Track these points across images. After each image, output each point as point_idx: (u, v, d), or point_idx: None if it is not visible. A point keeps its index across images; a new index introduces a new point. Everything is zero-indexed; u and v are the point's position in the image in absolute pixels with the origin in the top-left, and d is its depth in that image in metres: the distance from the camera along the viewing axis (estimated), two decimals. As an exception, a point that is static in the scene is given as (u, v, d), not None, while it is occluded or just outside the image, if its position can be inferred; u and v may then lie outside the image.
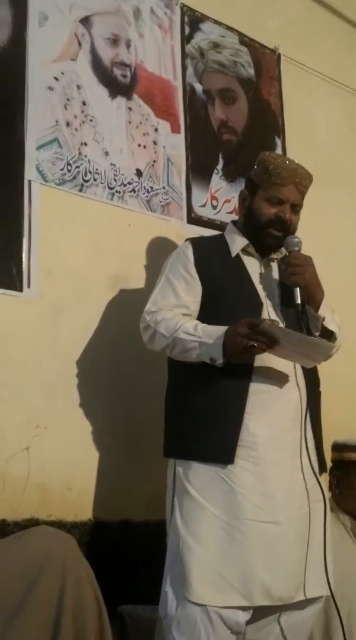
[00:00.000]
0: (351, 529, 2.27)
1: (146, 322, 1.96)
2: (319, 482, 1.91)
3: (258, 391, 1.86)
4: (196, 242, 2.08)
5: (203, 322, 1.91)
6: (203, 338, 1.84)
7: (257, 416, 1.85)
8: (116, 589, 1.94)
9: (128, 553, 2.16)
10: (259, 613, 1.81)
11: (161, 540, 1.95)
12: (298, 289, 1.91)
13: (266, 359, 1.87)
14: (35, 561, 1.46)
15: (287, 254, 1.99)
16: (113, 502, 2.25)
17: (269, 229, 1.99)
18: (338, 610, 1.95)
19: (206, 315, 1.94)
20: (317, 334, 1.95)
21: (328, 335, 1.96)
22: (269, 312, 1.96)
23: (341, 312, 2.05)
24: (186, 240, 2.12)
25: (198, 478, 1.83)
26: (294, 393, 1.92)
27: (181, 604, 1.76)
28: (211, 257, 2.02)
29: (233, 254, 2.03)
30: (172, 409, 1.97)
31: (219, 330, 1.83)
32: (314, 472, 1.89)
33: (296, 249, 1.97)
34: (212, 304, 1.95)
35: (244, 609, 1.76)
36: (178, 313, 1.94)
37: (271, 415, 1.86)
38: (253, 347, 1.77)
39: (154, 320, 1.94)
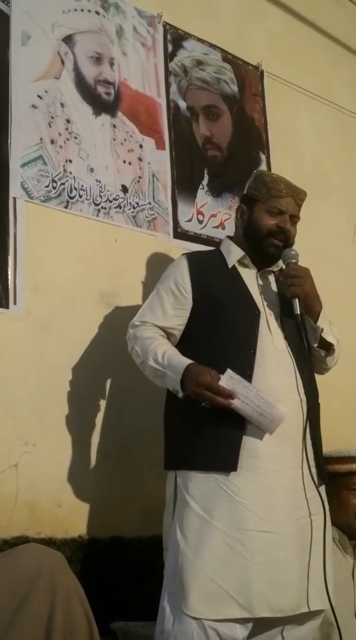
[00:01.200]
0: (340, 541, 2.26)
1: (129, 334, 2.03)
2: (319, 494, 1.90)
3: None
4: (192, 255, 2.13)
5: (202, 334, 1.95)
6: (167, 370, 1.89)
7: (255, 427, 1.85)
8: (107, 605, 1.93)
9: (120, 569, 2.15)
10: (259, 627, 1.80)
11: (153, 557, 1.95)
12: (296, 300, 1.95)
13: (266, 369, 1.89)
14: (25, 578, 1.45)
15: (284, 266, 2.04)
16: (104, 518, 2.24)
17: (271, 239, 2.04)
18: (337, 625, 1.94)
19: (206, 325, 1.97)
20: (316, 345, 2.00)
21: (326, 347, 2.01)
22: (268, 321, 1.98)
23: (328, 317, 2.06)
24: (182, 255, 2.16)
25: (198, 489, 1.82)
26: (295, 403, 1.92)
27: (178, 619, 1.74)
28: (206, 268, 2.05)
29: (230, 265, 2.06)
30: (171, 421, 1.98)
31: (181, 365, 1.87)
32: (314, 483, 1.89)
33: (294, 261, 2.02)
34: (211, 315, 1.97)
35: (242, 622, 1.74)
36: (157, 332, 1.99)
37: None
38: (205, 406, 1.85)
39: (133, 335, 2.00)
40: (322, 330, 1.98)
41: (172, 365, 1.89)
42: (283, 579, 1.78)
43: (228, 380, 1.83)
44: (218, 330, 1.94)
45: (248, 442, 1.84)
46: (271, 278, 2.10)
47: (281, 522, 1.81)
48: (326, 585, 1.83)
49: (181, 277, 2.03)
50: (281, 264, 2.08)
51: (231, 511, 1.79)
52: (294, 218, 2.07)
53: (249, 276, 2.06)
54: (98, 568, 2.11)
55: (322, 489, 1.94)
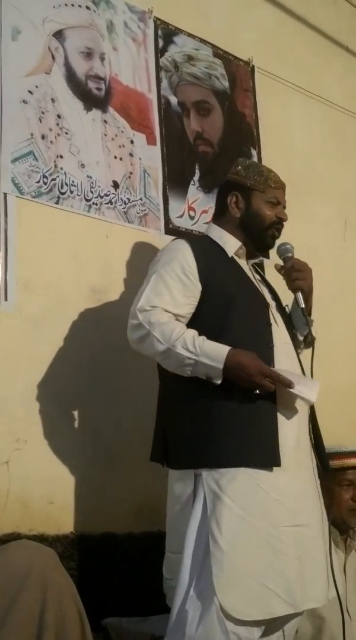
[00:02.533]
0: (333, 536, 2.27)
1: (138, 320, 1.85)
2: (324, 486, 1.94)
3: (281, 391, 1.84)
4: (192, 240, 2.03)
5: (211, 327, 1.86)
6: (201, 357, 1.78)
7: (283, 417, 1.85)
8: (100, 601, 1.93)
9: (112, 566, 2.14)
10: (268, 625, 1.78)
11: (145, 553, 1.95)
12: (300, 293, 1.98)
13: (281, 362, 1.88)
14: (16, 575, 1.44)
15: (283, 260, 2.05)
16: (96, 515, 2.23)
17: (271, 230, 2.04)
18: (343, 615, 1.98)
19: (216, 318, 1.88)
20: (301, 338, 2.03)
21: (310, 341, 2.02)
22: (273, 314, 1.98)
23: (316, 319, 2.07)
24: (180, 239, 2.06)
25: (233, 487, 1.75)
26: None
27: (202, 624, 1.68)
28: (210, 258, 1.97)
29: (230, 255, 2.02)
30: (192, 416, 1.83)
31: (218, 352, 1.79)
32: (328, 471, 1.95)
33: (290, 254, 2.05)
34: (221, 307, 1.90)
35: (260, 625, 1.74)
36: (172, 317, 1.86)
37: (292, 415, 1.87)
38: (259, 393, 1.80)
39: (147, 320, 1.83)
40: (312, 324, 2.00)
41: (207, 353, 1.78)
42: (315, 570, 1.81)
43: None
44: (231, 321, 1.87)
45: (280, 436, 1.82)
46: (257, 270, 2.11)
47: (309, 514, 1.83)
48: (333, 575, 1.87)
49: (186, 263, 1.92)
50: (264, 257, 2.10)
51: (269, 508, 1.76)
52: (284, 209, 2.09)
53: (245, 267, 2.06)
54: (90, 564, 2.11)
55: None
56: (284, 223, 2.07)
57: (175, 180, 2.78)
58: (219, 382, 1.80)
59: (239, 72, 3.17)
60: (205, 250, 1.99)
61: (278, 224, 2.05)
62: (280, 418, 1.84)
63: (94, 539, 2.17)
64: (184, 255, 1.94)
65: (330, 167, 3.48)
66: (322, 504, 1.92)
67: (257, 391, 1.81)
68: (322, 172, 3.43)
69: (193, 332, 1.83)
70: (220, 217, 2.12)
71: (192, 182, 2.84)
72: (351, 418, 3.10)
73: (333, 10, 3.69)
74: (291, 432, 1.85)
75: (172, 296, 1.88)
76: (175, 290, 1.89)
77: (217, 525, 1.72)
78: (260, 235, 2.05)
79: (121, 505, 2.28)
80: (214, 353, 1.79)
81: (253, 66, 3.22)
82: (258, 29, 3.29)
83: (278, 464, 1.79)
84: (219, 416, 1.81)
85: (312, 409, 1.98)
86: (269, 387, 1.80)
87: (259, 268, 2.18)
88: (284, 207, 2.08)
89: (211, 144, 2.95)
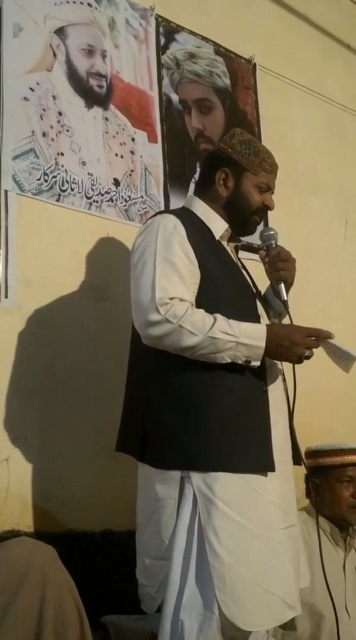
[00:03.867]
0: (331, 534, 2.28)
1: (161, 316, 1.69)
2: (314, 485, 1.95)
3: (270, 390, 1.79)
4: (182, 218, 1.85)
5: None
6: (241, 338, 1.68)
7: (274, 416, 1.78)
8: (99, 599, 1.93)
9: (111, 563, 2.15)
10: None
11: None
12: (283, 285, 1.88)
13: None
14: (16, 572, 1.44)
15: (266, 246, 1.94)
16: (95, 512, 2.23)
17: (255, 216, 1.94)
18: (336, 613, 1.98)
19: (205, 305, 1.75)
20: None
21: None
22: (257, 304, 1.91)
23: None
24: (164, 213, 1.91)
25: (227, 492, 1.66)
26: (283, 389, 1.89)
27: (202, 634, 1.61)
28: (198, 237, 1.84)
29: (217, 237, 1.91)
30: (180, 408, 1.72)
31: (257, 330, 1.72)
32: (304, 465, 1.92)
33: (274, 242, 1.94)
34: (210, 293, 1.78)
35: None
36: (191, 306, 1.73)
37: (279, 412, 1.82)
38: (308, 357, 1.74)
39: (173, 314, 1.68)
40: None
41: (245, 332, 1.69)
42: (300, 569, 1.79)
43: None
44: (221, 310, 1.74)
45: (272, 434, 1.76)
46: (236, 253, 2.02)
47: (294, 513, 1.81)
48: (324, 573, 1.87)
49: (185, 242, 1.79)
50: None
51: (264, 512, 1.70)
52: (272, 194, 1.99)
53: (230, 252, 1.96)
54: (89, 562, 2.11)
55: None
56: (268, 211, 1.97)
57: (176, 178, 2.77)
58: (258, 364, 1.72)
59: (241, 69, 3.17)
60: (194, 229, 1.85)
61: (263, 211, 1.95)
62: (273, 417, 1.77)
63: (93, 536, 2.17)
64: (180, 234, 1.80)
65: (330, 165, 3.48)
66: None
67: (310, 356, 1.74)
68: (323, 171, 3.43)
69: (221, 316, 1.71)
70: (204, 191, 1.97)
71: (193, 180, 2.84)
72: (349, 416, 3.10)
73: (334, 8, 3.69)
74: (280, 430, 1.80)
75: (184, 282, 1.75)
76: (185, 274, 1.76)
77: (214, 534, 1.64)
78: (244, 220, 1.93)
79: (120, 503, 2.28)
80: (253, 332, 1.71)
81: (255, 64, 3.22)
82: (260, 27, 3.28)
83: (273, 470, 1.72)
84: (209, 414, 1.70)
85: (292, 406, 1.87)
86: (315, 345, 1.76)
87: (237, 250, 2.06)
88: (272, 193, 1.97)
89: (212, 141, 2.94)
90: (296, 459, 1.89)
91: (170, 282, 1.73)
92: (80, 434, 2.28)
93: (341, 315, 3.28)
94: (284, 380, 1.91)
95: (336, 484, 2.28)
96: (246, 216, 1.93)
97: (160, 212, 1.97)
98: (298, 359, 1.75)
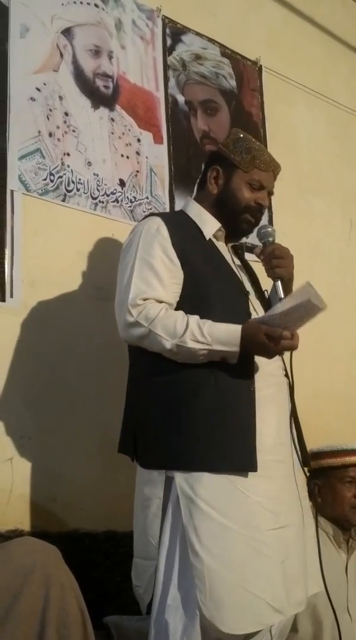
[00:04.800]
0: (334, 536, 2.28)
1: (133, 318, 1.71)
2: (305, 475, 1.85)
3: (260, 387, 1.75)
4: (167, 220, 1.84)
5: (189, 312, 1.73)
6: (214, 345, 1.67)
7: (262, 413, 1.73)
8: (101, 599, 1.93)
9: (114, 564, 2.14)
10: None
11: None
12: (279, 282, 1.83)
13: None
14: (19, 572, 1.44)
15: (263, 244, 1.89)
16: (99, 513, 2.23)
17: (246, 215, 1.89)
18: (335, 615, 1.97)
19: (192, 306, 1.74)
20: None
21: None
22: (252, 302, 1.87)
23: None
24: (151, 215, 1.91)
25: (209, 491, 1.64)
26: (285, 385, 1.84)
27: (186, 635, 1.61)
28: (185, 238, 1.82)
29: (207, 237, 1.88)
30: (164, 413, 1.71)
31: (231, 335, 1.68)
32: (302, 469, 1.83)
33: (271, 239, 1.88)
34: (197, 294, 1.77)
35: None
36: (167, 307, 1.73)
37: (271, 412, 1.77)
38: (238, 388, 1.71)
39: (145, 317, 1.69)
40: None
41: (218, 339, 1.67)
42: (297, 572, 1.72)
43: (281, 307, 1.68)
44: (208, 310, 1.73)
45: (258, 435, 1.70)
46: (237, 253, 2.00)
47: (288, 514, 1.73)
48: (321, 571, 1.80)
49: (167, 243, 1.78)
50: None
51: (249, 512, 1.66)
52: (271, 195, 1.95)
53: (224, 251, 1.92)
54: (92, 562, 2.11)
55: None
56: (264, 211, 1.93)
57: (181, 178, 2.78)
58: (235, 361, 1.70)
59: (247, 71, 3.17)
60: (181, 230, 1.84)
61: (255, 210, 1.89)
62: (259, 415, 1.72)
63: (96, 536, 2.17)
64: (162, 235, 1.79)
65: (335, 167, 3.47)
66: (303, 501, 1.82)
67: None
68: (328, 173, 3.43)
69: (196, 319, 1.70)
70: (199, 191, 1.99)
71: (198, 181, 2.84)
72: (352, 418, 3.10)
73: (341, 10, 3.69)
74: (270, 429, 1.74)
75: (162, 283, 1.74)
76: (163, 275, 1.75)
77: (195, 534, 1.62)
78: (234, 218, 1.89)
79: (124, 504, 2.26)
80: (225, 337, 1.68)
81: (261, 66, 3.22)
82: (266, 29, 3.28)
83: (254, 470, 1.67)
84: (193, 414, 1.69)
85: (293, 402, 1.85)
86: (290, 347, 1.70)
87: (240, 251, 2.04)
88: (270, 193, 1.93)
89: (218, 142, 2.94)
90: (304, 459, 1.85)
91: (146, 283, 1.73)
92: (84, 434, 2.29)
93: (345, 317, 3.28)
94: (286, 376, 1.86)
95: (338, 485, 2.29)
96: (235, 214, 1.89)
97: (148, 215, 1.96)
98: (278, 353, 1.72)
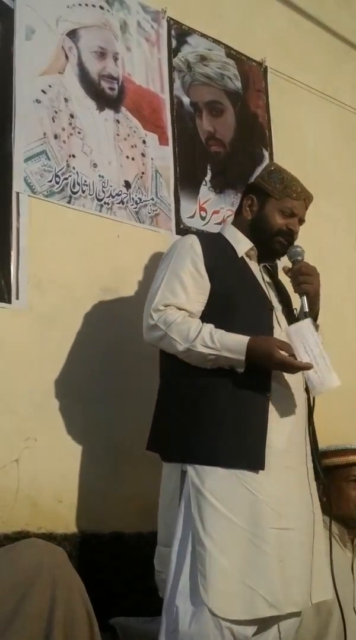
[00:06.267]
0: (339, 535, 2.29)
1: (154, 322, 1.87)
2: (318, 488, 1.95)
3: (277, 397, 1.87)
4: (203, 238, 2.04)
5: (216, 324, 1.86)
6: (222, 351, 1.81)
7: (275, 420, 1.85)
8: (107, 601, 1.93)
9: (120, 565, 2.15)
10: (262, 622, 1.80)
11: (153, 553, 1.94)
12: (305, 297, 1.96)
13: None
14: (26, 573, 1.45)
15: (292, 262, 2.03)
16: (105, 514, 2.24)
17: (278, 238, 2.04)
18: (342, 614, 1.99)
19: (218, 317, 1.89)
20: None
21: None
22: (277, 316, 1.99)
23: (330, 323, 2.08)
24: (190, 234, 2.10)
25: (217, 486, 1.77)
26: (303, 396, 1.95)
27: (195, 620, 1.70)
28: (218, 255, 1.99)
29: (240, 255, 2.04)
30: (182, 410, 1.86)
31: (239, 343, 1.81)
32: (319, 477, 1.95)
33: (300, 258, 2.03)
34: (224, 306, 1.91)
35: (253, 622, 1.75)
36: (186, 315, 1.88)
37: (286, 419, 1.88)
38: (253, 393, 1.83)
39: (163, 321, 1.86)
40: (318, 328, 1.99)
41: (227, 346, 1.81)
42: (298, 574, 1.81)
43: (296, 334, 1.86)
44: (233, 322, 1.87)
45: (268, 437, 1.82)
46: (269, 272, 2.12)
47: (295, 518, 1.83)
48: (333, 576, 1.89)
49: (198, 258, 1.95)
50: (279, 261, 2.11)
51: (254, 509, 1.77)
52: (302, 222, 2.09)
53: (255, 269, 2.06)
54: (98, 563, 2.11)
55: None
56: (295, 235, 2.06)
57: (187, 180, 2.78)
58: (241, 370, 1.82)
59: (252, 72, 3.17)
60: (214, 248, 2.00)
61: (287, 234, 2.04)
62: (272, 421, 1.84)
63: (102, 537, 2.17)
64: (194, 249, 1.96)
65: (341, 169, 3.47)
66: (316, 510, 1.91)
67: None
68: (334, 174, 3.42)
69: (209, 327, 1.84)
70: (236, 217, 2.16)
71: (203, 183, 2.85)
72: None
73: (346, 11, 3.68)
74: (281, 436, 1.85)
75: (186, 293, 1.90)
76: (189, 286, 1.91)
77: (201, 523, 1.74)
78: (267, 241, 2.05)
79: (130, 505, 2.28)
80: (234, 346, 1.81)
81: (266, 67, 3.21)
82: (271, 30, 3.28)
83: (262, 468, 1.79)
84: (209, 413, 1.82)
85: (311, 413, 1.98)
86: (292, 368, 1.83)
87: (273, 270, 2.17)
88: (301, 221, 2.08)
89: (223, 144, 2.95)
90: (316, 473, 1.96)
91: (171, 292, 1.90)
92: (90, 436, 2.29)
93: (352, 319, 3.28)
94: (306, 390, 1.96)
95: (343, 484, 2.31)
96: (267, 238, 2.04)
97: (186, 233, 2.15)
98: (279, 367, 1.84)
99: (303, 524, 1.85)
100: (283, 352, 1.81)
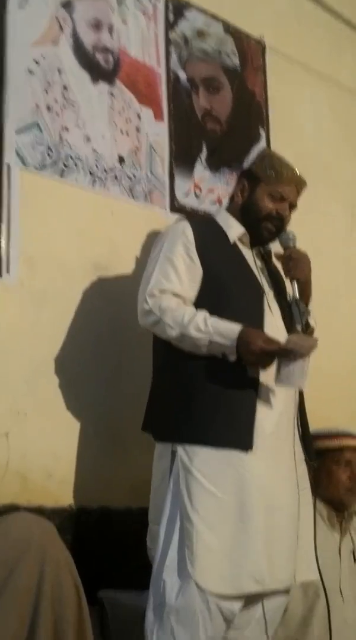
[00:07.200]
0: (328, 517, 2.31)
1: (148, 307, 1.90)
2: (307, 468, 1.98)
3: (267, 381, 1.88)
4: (194, 224, 2.04)
5: (205, 309, 1.89)
6: (214, 336, 1.83)
7: (264, 403, 1.88)
8: (96, 575, 1.93)
9: (109, 540, 2.15)
10: (247, 600, 1.83)
11: (142, 528, 1.95)
12: (296, 283, 1.97)
13: None
14: (15, 547, 1.46)
15: (284, 249, 2.04)
16: (94, 489, 2.23)
17: (266, 223, 2.04)
18: (326, 596, 2.01)
19: (209, 302, 1.91)
20: (299, 327, 1.99)
21: (310, 331, 2.03)
22: (269, 301, 1.99)
23: (324, 313, 2.07)
24: (181, 219, 2.10)
25: (206, 465, 1.80)
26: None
27: (182, 593, 1.74)
28: (210, 241, 2.00)
29: (232, 240, 2.04)
30: (175, 391, 1.90)
31: (232, 330, 1.82)
32: (306, 460, 1.97)
33: (291, 244, 2.03)
34: (215, 291, 1.93)
35: (239, 598, 1.78)
36: (181, 302, 1.91)
37: (275, 402, 1.90)
38: (262, 369, 1.84)
39: (158, 306, 1.88)
40: (309, 313, 2.01)
41: (220, 331, 1.83)
42: (283, 553, 1.84)
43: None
44: (224, 307, 1.90)
45: (257, 419, 1.85)
46: (263, 257, 2.12)
47: (281, 499, 1.86)
48: (316, 557, 1.91)
49: (189, 243, 1.97)
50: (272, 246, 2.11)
51: (241, 488, 1.80)
52: (293, 207, 2.08)
53: (248, 254, 2.07)
54: (87, 538, 2.11)
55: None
56: (285, 220, 2.06)
57: (182, 157, 2.75)
58: (234, 358, 1.83)
59: (250, 50, 3.12)
60: (206, 233, 2.02)
61: (276, 219, 2.04)
62: (261, 403, 1.87)
63: (92, 512, 2.17)
64: (186, 235, 1.97)
65: (338, 152, 3.44)
66: (301, 492, 1.93)
67: (258, 369, 1.85)
68: (330, 158, 3.39)
69: (204, 313, 1.86)
70: (230, 203, 2.17)
71: (199, 160, 2.82)
72: (350, 404, 3.09)
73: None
74: (270, 418, 1.88)
75: (179, 278, 1.92)
76: (182, 272, 1.93)
77: (189, 499, 1.78)
78: (255, 226, 2.05)
79: (120, 481, 2.28)
80: (226, 331, 1.83)
81: (265, 44, 3.17)
82: (271, 8, 3.24)
83: (250, 448, 1.81)
84: (200, 395, 1.85)
85: (301, 398, 2.01)
86: (264, 365, 1.83)
87: (266, 255, 2.16)
88: (293, 206, 2.07)
89: (220, 121, 2.91)
90: (309, 454, 2.00)
91: (165, 277, 1.91)
92: (83, 413, 2.27)
93: (347, 309, 3.27)
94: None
95: (334, 467, 2.33)
96: (256, 222, 2.04)
97: (179, 219, 2.14)
98: (254, 366, 1.84)
99: (288, 504, 1.88)
100: (263, 344, 1.80)
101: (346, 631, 2.15)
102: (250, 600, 1.84)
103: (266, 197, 2.03)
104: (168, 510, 1.81)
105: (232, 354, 1.83)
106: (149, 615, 1.77)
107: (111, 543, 2.15)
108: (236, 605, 1.78)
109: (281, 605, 1.93)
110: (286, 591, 1.90)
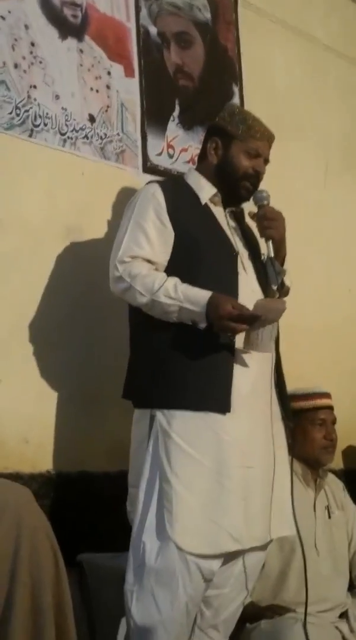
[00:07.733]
0: (303, 475, 2.36)
1: (119, 273, 1.88)
2: (284, 427, 2.00)
3: (241, 337, 1.87)
4: (165, 187, 2.00)
5: (178, 274, 1.87)
6: (184, 303, 1.82)
7: (240, 365, 1.88)
8: (75, 538, 1.95)
9: (87, 503, 2.16)
10: (226, 558, 1.85)
11: (120, 491, 1.96)
12: (270, 242, 1.95)
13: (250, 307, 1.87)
14: (-10, 513, 1.44)
15: (258, 207, 2.01)
16: (72, 454, 2.23)
17: (244, 182, 2.01)
18: (303, 550, 2.04)
19: (182, 266, 1.89)
20: (275, 287, 1.98)
21: (285, 290, 2.02)
22: (243, 262, 1.98)
23: (296, 265, 2.06)
24: (151, 182, 2.07)
25: (184, 427, 1.81)
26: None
27: (161, 554, 1.76)
28: (181, 203, 1.97)
29: (203, 201, 2.02)
30: (151, 356, 1.90)
31: (202, 296, 1.81)
32: (283, 419, 2.00)
33: (266, 202, 2.01)
34: (188, 254, 1.91)
35: (218, 557, 1.81)
36: (151, 267, 1.89)
37: (251, 364, 1.90)
38: (232, 335, 1.83)
39: (128, 273, 1.87)
40: (285, 273, 2.00)
41: (190, 298, 1.82)
42: (258, 510, 1.86)
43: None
44: (197, 270, 1.88)
45: (234, 381, 1.86)
46: (235, 217, 2.10)
47: (258, 458, 1.88)
48: (293, 513, 1.94)
49: (160, 207, 1.94)
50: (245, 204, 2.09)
51: (219, 449, 1.81)
52: (266, 162, 2.06)
53: (220, 215, 2.04)
54: (66, 502, 2.12)
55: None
56: (261, 177, 2.03)
57: (154, 115, 2.69)
58: (203, 326, 1.83)
59: (222, 3, 3.04)
60: (177, 195, 1.99)
61: (253, 177, 2.01)
62: (237, 366, 1.87)
63: (69, 477, 2.18)
64: (157, 198, 1.95)
65: (310, 108, 3.39)
66: (277, 451, 1.95)
67: (229, 334, 1.84)
68: (303, 113, 3.34)
69: (174, 280, 1.84)
70: (200, 162, 2.12)
71: (171, 118, 2.76)
72: (322, 362, 3.12)
73: None
74: (246, 379, 1.88)
75: (150, 244, 1.90)
76: (153, 237, 1.91)
77: (168, 462, 1.79)
78: (233, 185, 2.02)
79: (97, 445, 2.29)
80: (195, 298, 1.82)
81: (236, -3, 3.09)
82: None
83: (228, 410, 1.83)
84: (177, 360, 1.85)
85: (278, 358, 2.02)
86: (233, 330, 1.81)
87: (239, 215, 2.13)
88: (266, 161, 2.05)
89: (192, 78, 2.85)
90: (286, 413, 2.02)
91: (135, 243, 1.89)
92: (57, 377, 2.26)
93: (319, 263, 3.27)
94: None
95: (309, 427, 2.37)
96: (234, 181, 2.02)
97: (148, 182, 2.09)
98: (221, 332, 1.83)
99: (264, 463, 1.90)
100: (231, 308, 1.79)
101: (321, 584, 2.21)
102: (229, 558, 1.86)
103: (242, 154, 2.00)
104: (147, 473, 1.82)
105: (202, 321, 1.82)
106: (129, 577, 1.79)
107: (90, 507, 2.15)
108: (215, 565, 1.81)
109: (259, 560, 1.97)
110: (264, 547, 1.94)
